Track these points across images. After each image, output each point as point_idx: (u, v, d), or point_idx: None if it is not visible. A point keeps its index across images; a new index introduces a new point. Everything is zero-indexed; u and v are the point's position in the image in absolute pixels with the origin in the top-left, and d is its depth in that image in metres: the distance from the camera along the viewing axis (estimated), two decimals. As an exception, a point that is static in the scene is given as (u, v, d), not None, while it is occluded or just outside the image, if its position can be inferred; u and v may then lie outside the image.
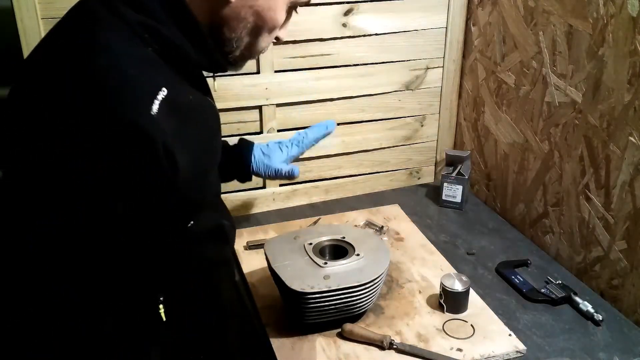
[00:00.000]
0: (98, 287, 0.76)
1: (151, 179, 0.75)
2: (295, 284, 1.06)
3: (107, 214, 0.74)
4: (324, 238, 1.19)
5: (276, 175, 1.27)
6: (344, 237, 1.18)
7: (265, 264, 1.16)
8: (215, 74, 0.98)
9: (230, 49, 0.86)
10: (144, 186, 0.75)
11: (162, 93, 0.75)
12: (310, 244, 1.16)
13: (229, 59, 0.89)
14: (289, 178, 1.28)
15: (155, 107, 0.73)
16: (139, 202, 0.75)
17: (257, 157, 1.27)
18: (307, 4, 0.94)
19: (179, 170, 0.77)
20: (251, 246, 1.36)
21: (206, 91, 0.94)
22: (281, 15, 0.88)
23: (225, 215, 1.05)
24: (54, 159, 0.71)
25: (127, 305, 0.79)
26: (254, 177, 1.30)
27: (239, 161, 1.27)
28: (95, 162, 0.71)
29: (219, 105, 1.41)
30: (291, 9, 0.92)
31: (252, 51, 0.89)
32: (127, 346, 0.80)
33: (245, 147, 1.28)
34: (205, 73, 0.95)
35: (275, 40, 0.93)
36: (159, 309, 0.82)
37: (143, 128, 0.71)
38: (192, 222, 0.88)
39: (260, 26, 0.86)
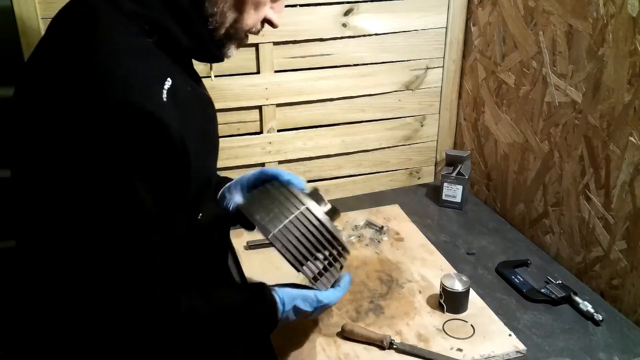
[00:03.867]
0: (127, 284, 0.76)
1: (171, 166, 0.75)
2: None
3: (135, 206, 0.73)
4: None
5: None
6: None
7: (265, 264, 1.16)
8: (211, 63, 0.97)
9: (215, 25, 0.84)
10: (167, 174, 0.75)
11: (168, 83, 0.75)
12: None
13: (216, 39, 0.86)
14: None
15: (164, 96, 0.73)
16: (164, 192, 0.75)
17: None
18: None
19: (190, 157, 0.77)
20: (251, 246, 1.36)
21: (198, 81, 0.94)
22: None
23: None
24: (72, 158, 0.71)
25: (149, 301, 0.79)
26: None
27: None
28: (118, 155, 0.70)
29: (218, 105, 1.42)
30: None
31: (237, 29, 0.87)
32: (140, 341, 0.80)
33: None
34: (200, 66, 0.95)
35: (269, 25, 0.91)
36: None
37: (158, 117, 0.71)
38: (200, 215, 0.89)
39: (243, 0, 0.84)
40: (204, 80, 0.99)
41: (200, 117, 0.87)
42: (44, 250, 0.76)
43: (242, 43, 0.90)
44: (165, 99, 0.73)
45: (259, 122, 1.49)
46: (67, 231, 0.73)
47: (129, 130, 0.70)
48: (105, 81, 0.70)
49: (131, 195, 0.72)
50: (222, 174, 1.50)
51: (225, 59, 0.92)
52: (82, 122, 0.70)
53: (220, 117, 1.45)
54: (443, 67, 1.60)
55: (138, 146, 0.71)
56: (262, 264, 1.27)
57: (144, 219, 0.75)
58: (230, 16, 0.84)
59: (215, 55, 0.90)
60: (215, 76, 1.40)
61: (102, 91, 0.70)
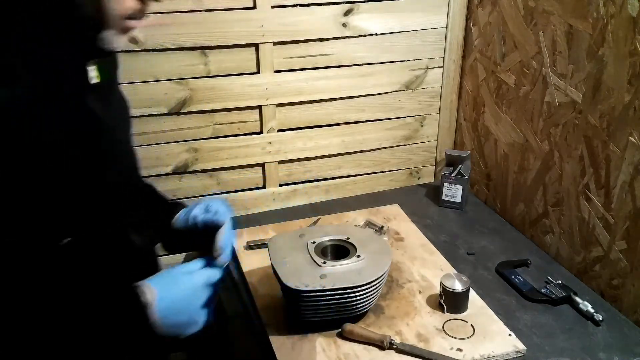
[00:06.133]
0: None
1: None
2: (291, 281, 1.06)
3: None
4: (328, 237, 1.19)
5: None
6: (348, 238, 1.18)
7: (265, 264, 1.16)
8: (94, 58, 0.83)
9: (78, 3, 0.74)
10: None
11: None
12: (314, 242, 1.16)
13: (84, 21, 0.75)
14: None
15: None
16: None
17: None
18: None
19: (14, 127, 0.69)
20: (251, 246, 1.36)
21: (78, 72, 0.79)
22: None
23: (138, 228, 0.89)
24: None
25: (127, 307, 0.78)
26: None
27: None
28: None
29: (218, 105, 1.44)
30: None
31: (103, 10, 0.75)
32: (127, 347, 0.79)
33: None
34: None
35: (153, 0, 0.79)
36: None
37: None
38: (69, 239, 0.76)
39: None
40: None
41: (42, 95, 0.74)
42: None
43: (117, 27, 0.77)
44: None
45: (259, 122, 1.49)
46: None
47: None
48: None
49: None
50: (223, 174, 1.51)
51: (115, 50, 0.79)
52: None
53: (221, 117, 1.47)
54: (443, 67, 1.60)
55: None
56: (262, 264, 1.27)
57: None
58: None
59: (94, 42, 0.77)
60: (215, 76, 1.41)
61: None
